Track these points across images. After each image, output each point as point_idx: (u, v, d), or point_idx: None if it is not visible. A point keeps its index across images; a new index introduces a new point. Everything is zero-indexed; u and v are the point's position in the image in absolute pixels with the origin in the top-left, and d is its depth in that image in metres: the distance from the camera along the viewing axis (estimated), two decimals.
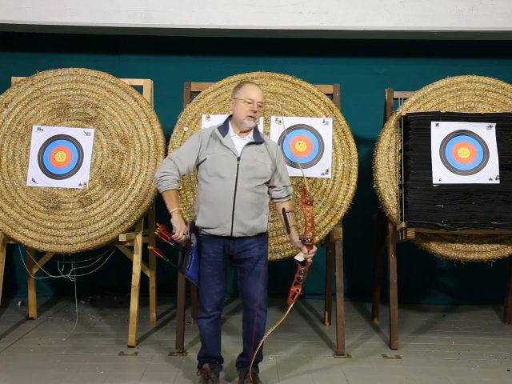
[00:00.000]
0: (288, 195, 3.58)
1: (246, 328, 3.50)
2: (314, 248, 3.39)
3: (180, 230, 3.36)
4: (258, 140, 3.47)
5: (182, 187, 4.25)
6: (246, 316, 3.50)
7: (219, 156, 3.38)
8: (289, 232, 3.46)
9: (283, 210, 3.46)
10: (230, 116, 3.53)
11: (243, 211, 3.35)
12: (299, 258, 3.39)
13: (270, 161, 3.48)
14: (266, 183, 3.49)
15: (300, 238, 3.40)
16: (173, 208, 3.40)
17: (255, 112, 3.42)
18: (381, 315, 5.08)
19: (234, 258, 3.46)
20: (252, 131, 3.48)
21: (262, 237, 3.49)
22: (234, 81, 4.42)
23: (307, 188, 3.32)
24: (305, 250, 3.38)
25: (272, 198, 3.58)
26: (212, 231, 3.40)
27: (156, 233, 3.44)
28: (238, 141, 3.44)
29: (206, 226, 3.40)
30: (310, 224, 3.31)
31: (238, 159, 3.38)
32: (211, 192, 3.38)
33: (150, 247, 3.68)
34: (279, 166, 3.54)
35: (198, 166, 3.49)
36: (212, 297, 3.44)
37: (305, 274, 3.38)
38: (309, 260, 3.39)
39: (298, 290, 3.38)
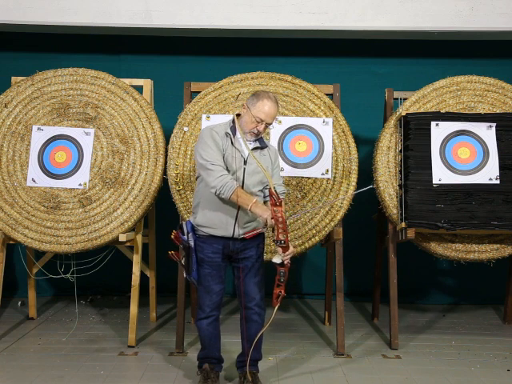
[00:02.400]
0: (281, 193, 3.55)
1: (245, 326, 3.49)
2: (291, 249, 3.31)
3: (268, 216, 3.20)
4: (263, 145, 3.49)
5: (181, 187, 4.25)
6: (244, 315, 3.49)
7: (230, 157, 3.36)
8: (273, 230, 3.41)
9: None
10: (237, 114, 3.47)
11: (246, 213, 3.36)
12: (276, 260, 3.31)
13: (271, 164, 3.50)
14: None
15: (273, 241, 3.33)
16: (251, 200, 3.25)
17: (260, 131, 3.39)
18: (381, 315, 5.08)
19: (232, 257, 3.46)
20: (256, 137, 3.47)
21: (260, 236, 3.50)
22: (233, 81, 4.43)
23: (273, 189, 3.26)
24: (280, 251, 3.31)
25: (264, 197, 3.56)
26: (212, 231, 3.39)
27: (172, 236, 3.42)
28: (244, 143, 3.42)
29: (206, 225, 3.40)
30: (281, 226, 3.25)
31: (245, 163, 3.38)
32: None
33: (170, 252, 3.51)
34: (275, 167, 3.56)
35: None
36: (211, 297, 3.44)
37: (285, 275, 3.31)
38: (286, 261, 3.31)
39: (281, 292, 3.32)
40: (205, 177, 3.32)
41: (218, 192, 3.26)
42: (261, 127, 3.36)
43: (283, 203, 3.31)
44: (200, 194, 3.45)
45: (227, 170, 3.33)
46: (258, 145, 3.46)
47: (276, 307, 3.35)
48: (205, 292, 3.44)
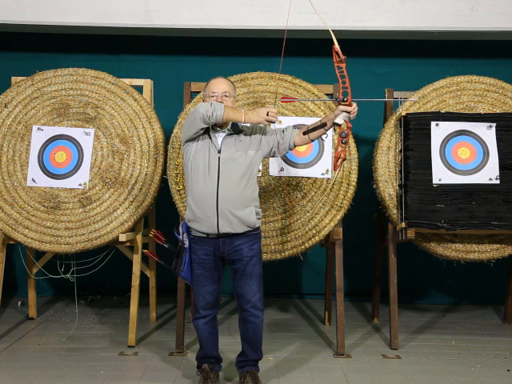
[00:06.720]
0: (293, 129, 3.54)
1: (243, 327, 3.50)
2: (354, 105, 3.33)
3: (264, 113, 3.27)
4: (236, 130, 3.45)
5: (181, 187, 4.25)
6: (241, 316, 3.50)
7: (203, 148, 3.37)
8: (322, 122, 3.42)
9: (305, 131, 3.46)
10: None
11: (227, 204, 3.30)
12: (339, 120, 3.33)
13: (254, 144, 3.45)
14: (272, 154, 3.54)
15: (336, 99, 3.34)
16: (241, 111, 3.29)
17: (221, 102, 3.38)
18: (381, 315, 5.08)
19: (225, 259, 3.45)
20: (230, 123, 3.45)
21: (253, 236, 3.44)
22: (233, 81, 4.41)
23: (337, 46, 3.32)
24: (345, 108, 3.30)
25: (289, 147, 3.51)
26: (198, 226, 3.36)
27: (151, 235, 3.47)
28: (217, 133, 3.42)
29: (193, 219, 3.38)
30: (344, 83, 3.28)
31: (219, 152, 3.36)
32: (196, 185, 3.36)
33: (145, 251, 3.66)
34: (268, 132, 3.51)
35: (186, 158, 3.46)
36: (205, 297, 3.44)
37: (347, 136, 3.33)
38: (350, 118, 3.32)
39: (342, 155, 3.33)
40: (194, 117, 3.32)
41: (209, 113, 3.25)
42: (218, 98, 3.39)
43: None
44: (187, 189, 3.45)
45: (203, 165, 3.34)
46: (231, 131, 3.43)
47: (337, 171, 3.34)
48: (198, 292, 3.45)
